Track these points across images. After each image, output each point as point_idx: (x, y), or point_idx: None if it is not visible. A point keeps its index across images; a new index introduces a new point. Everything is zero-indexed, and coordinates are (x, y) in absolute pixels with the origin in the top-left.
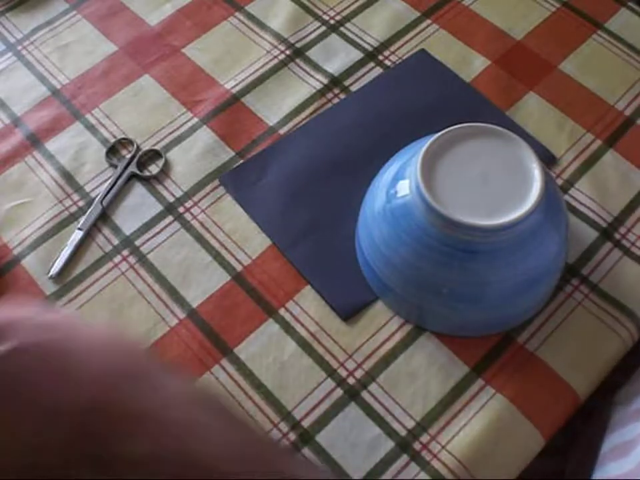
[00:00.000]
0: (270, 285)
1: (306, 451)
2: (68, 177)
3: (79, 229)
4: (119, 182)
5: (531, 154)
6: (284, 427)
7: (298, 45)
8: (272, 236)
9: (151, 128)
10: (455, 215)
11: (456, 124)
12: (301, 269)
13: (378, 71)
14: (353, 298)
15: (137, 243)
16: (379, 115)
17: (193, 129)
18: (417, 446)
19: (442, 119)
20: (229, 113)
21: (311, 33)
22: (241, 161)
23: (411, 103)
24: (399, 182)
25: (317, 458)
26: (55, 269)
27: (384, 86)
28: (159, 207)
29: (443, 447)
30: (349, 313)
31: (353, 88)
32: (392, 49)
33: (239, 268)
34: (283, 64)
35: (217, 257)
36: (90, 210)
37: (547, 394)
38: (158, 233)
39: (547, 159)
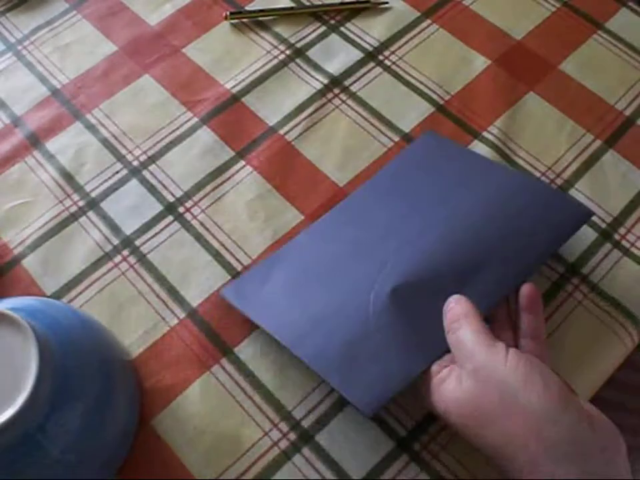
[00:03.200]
0: None
1: (306, 451)
2: (68, 177)
3: None
4: (119, 182)
5: (29, 342)
6: (284, 427)
7: (298, 45)
8: (283, 338)
9: (150, 128)
10: None
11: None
12: (314, 366)
13: (378, 70)
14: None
15: (137, 242)
16: (389, 205)
17: (193, 129)
18: (416, 446)
19: (460, 196)
20: (229, 113)
21: (311, 33)
22: (242, 274)
23: (425, 186)
24: None
25: (317, 458)
26: None
27: (394, 174)
28: (158, 207)
29: (443, 447)
30: (375, 409)
31: (353, 88)
32: (392, 48)
33: (239, 268)
34: (283, 64)
35: (217, 256)
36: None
37: None
38: (158, 232)
39: (585, 217)
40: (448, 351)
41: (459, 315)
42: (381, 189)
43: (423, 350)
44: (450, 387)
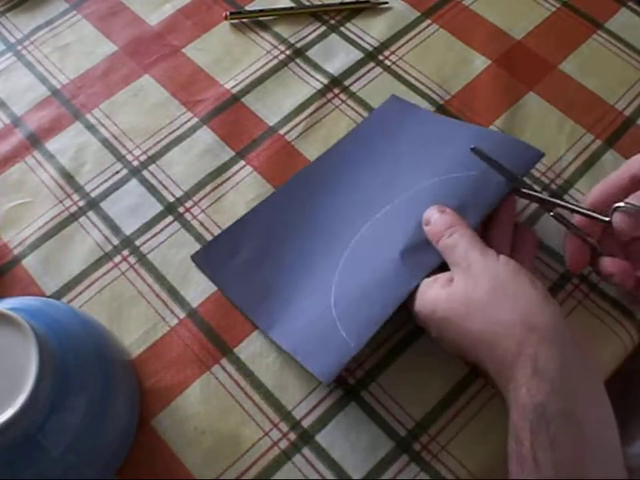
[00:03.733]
0: None
1: (306, 451)
2: (68, 177)
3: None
4: (119, 182)
5: (29, 342)
6: (284, 427)
7: (298, 45)
8: (252, 316)
9: (150, 128)
10: None
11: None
12: (284, 346)
13: (378, 70)
14: (332, 360)
15: (137, 242)
16: (355, 170)
17: (193, 129)
18: (416, 446)
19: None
20: (229, 113)
21: (311, 33)
22: (211, 238)
23: (391, 149)
24: None
25: (317, 458)
26: None
27: (360, 138)
28: (158, 207)
29: (443, 448)
30: (331, 376)
31: (353, 88)
32: (392, 48)
33: None
34: (283, 64)
35: None
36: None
37: None
38: (158, 232)
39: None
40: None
41: (453, 222)
42: (343, 155)
43: (377, 310)
44: (440, 286)
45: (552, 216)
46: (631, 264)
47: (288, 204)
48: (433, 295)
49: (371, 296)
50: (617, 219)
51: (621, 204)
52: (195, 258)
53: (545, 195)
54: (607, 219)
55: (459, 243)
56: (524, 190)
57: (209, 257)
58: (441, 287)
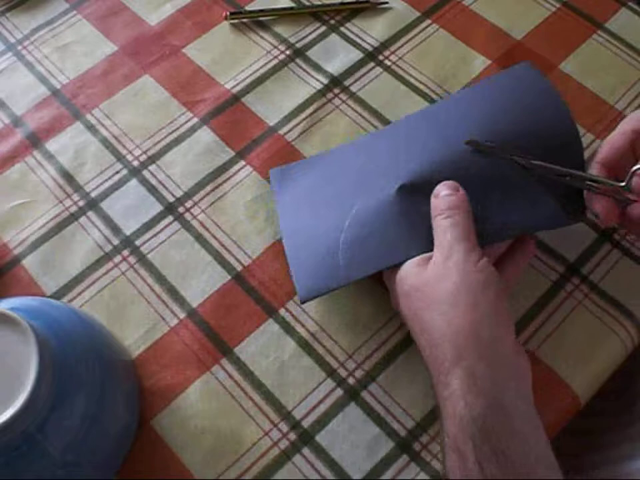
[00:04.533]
0: (270, 284)
1: (306, 451)
2: (68, 177)
3: None
4: (119, 182)
5: (29, 342)
6: (284, 426)
7: (298, 45)
8: (282, 228)
9: (151, 128)
10: None
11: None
12: (287, 250)
13: (378, 70)
14: (318, 282)
15: (137, 242)
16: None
17: (193, 129)
18: (416, 446)
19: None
20: (229, 113)
21: (311, 33)
22: (293, 163)
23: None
24: None
25: (317, 458)
26: None
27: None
28: (158, 207)
29: (443, 448)
30: (308, 297)
31: (353, 88)
32: (392, 48)
33: (239, 268)
34: (283, 64)
35: (217, 256)
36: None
37: (547, 394)
38: (158, 232)
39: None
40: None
41: (459, 206)
42: (431, 114)
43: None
44: (417, 262)
45: (569, 183)
46: None
47: (356, 153)
48: (407, 267)
49: (374, 239)
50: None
51: (638, 166)
52: (272, 173)
53: (556, 167)
54: (623, 183)
55: (450, 229)
56: (537, 162)
57: (283, 178)
58: (417, 264)
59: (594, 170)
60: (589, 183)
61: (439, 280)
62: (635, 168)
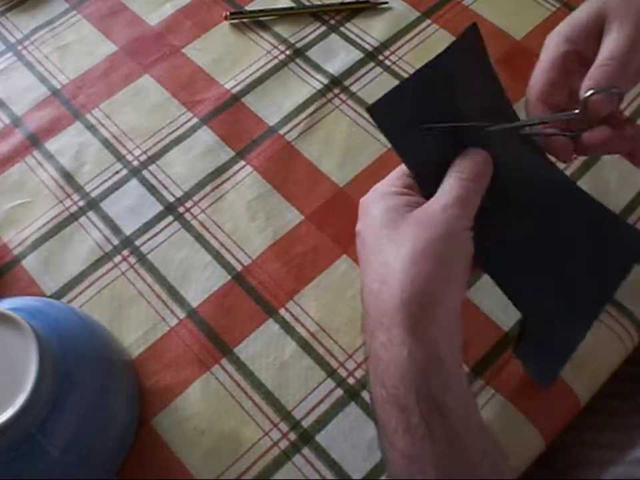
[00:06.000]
0: (270, 285)
1: (306, 451)
2: (68, 177)
3: None
4: (119, 182)
5: (29, 342)
6: (284, 426)
7: (298, 45)
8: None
9: (150, 128)
10: None
11: None
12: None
13: (378, 70)
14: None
15: (137, 242)
16: None
17: (193, 129)
18: None
19: None
20: (229, 113)
21: (311, 33)
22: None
23: None
24: None
25: (317, 458)
26: None
27: None
28: (158, 207)
29: None
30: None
31: (353, 88)
32: (392, 48)
33: (239, 268)
34: (283, 64)
35: (217, 256)
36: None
37: (547, 395)
38: (158, 232)
39: None
40: None
41: (479, 176)
42: None
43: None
44: (406, 200)
45: (524, 137)
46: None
47: None
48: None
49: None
50: (596, 103)
51: (590, 91)
52: (374, 109)
53: (506, 124)
54: (576, 111)
55: (456, 195)
56: (493, 129)
57: (389, 111)
58: (406, 202)
59: (538, 110)
60: (544, 121)
61: (411, 231)
62: (588, 93)
